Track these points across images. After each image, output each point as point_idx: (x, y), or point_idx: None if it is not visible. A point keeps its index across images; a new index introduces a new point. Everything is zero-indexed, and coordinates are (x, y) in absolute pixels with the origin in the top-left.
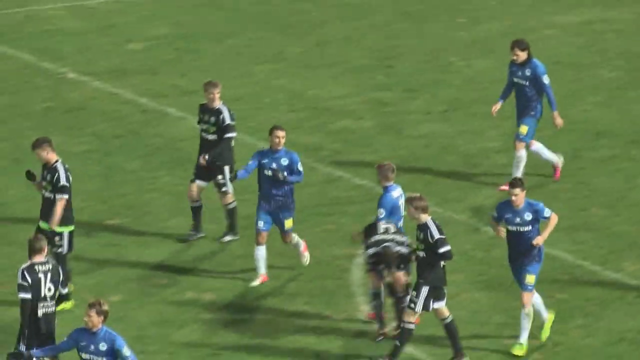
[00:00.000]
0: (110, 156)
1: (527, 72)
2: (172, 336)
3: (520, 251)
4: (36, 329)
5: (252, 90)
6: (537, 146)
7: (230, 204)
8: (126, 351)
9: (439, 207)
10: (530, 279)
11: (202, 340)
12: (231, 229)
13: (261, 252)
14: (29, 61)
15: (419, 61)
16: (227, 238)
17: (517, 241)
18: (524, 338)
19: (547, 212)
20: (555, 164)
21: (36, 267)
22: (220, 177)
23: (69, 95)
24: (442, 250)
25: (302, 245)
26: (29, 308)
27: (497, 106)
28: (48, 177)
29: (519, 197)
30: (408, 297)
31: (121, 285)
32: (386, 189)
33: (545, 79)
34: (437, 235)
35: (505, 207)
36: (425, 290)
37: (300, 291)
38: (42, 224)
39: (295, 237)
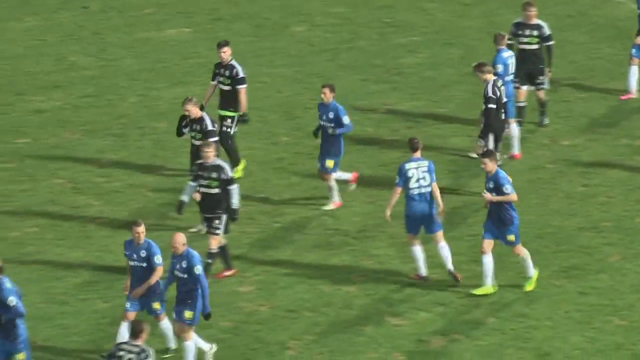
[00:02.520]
0: (564, 31)
1: None
2: None
3: (490, 212)
4: None
5: None
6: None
7: (545, 97)
8: (11, 301)
9: None
10: (511, 237)
11: None
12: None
13: None
14: None
15: None
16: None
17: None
18: (530, 273)
19: (506, 189)
20: (631, 90)
21: None
22: (540, 78)
23: None
24: (488, 105)
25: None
26: None
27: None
28: (227, 73)
29: (487, 165)
30: None
31: None
32: (499, 51)
33: None
34: (489, 94)
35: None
36: (491, 136)
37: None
38: (222, 112)
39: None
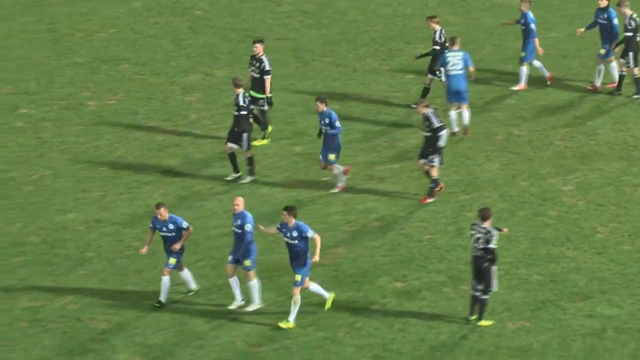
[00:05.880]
0: None
1: (605, 15)
2: None
3: (291, 257)
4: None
5: None
6: (613, 65)
7: None
8: None
9: None
10: (297, 277)
11: None
12: None
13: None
14: None
15: None
16: None
17: (289, 250)
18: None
19: (309, 233)
20: (614, 80)
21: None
22: None
23: None
24: (434, 47)
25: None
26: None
27: (582, 30)
28: (257, 65)
29: (285, 218)
30: None
31: None
32: (526, 12)
33: (615, 21)
34: (435, 39)
35: (281, 223)
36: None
37: None
38: (253, 93)
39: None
